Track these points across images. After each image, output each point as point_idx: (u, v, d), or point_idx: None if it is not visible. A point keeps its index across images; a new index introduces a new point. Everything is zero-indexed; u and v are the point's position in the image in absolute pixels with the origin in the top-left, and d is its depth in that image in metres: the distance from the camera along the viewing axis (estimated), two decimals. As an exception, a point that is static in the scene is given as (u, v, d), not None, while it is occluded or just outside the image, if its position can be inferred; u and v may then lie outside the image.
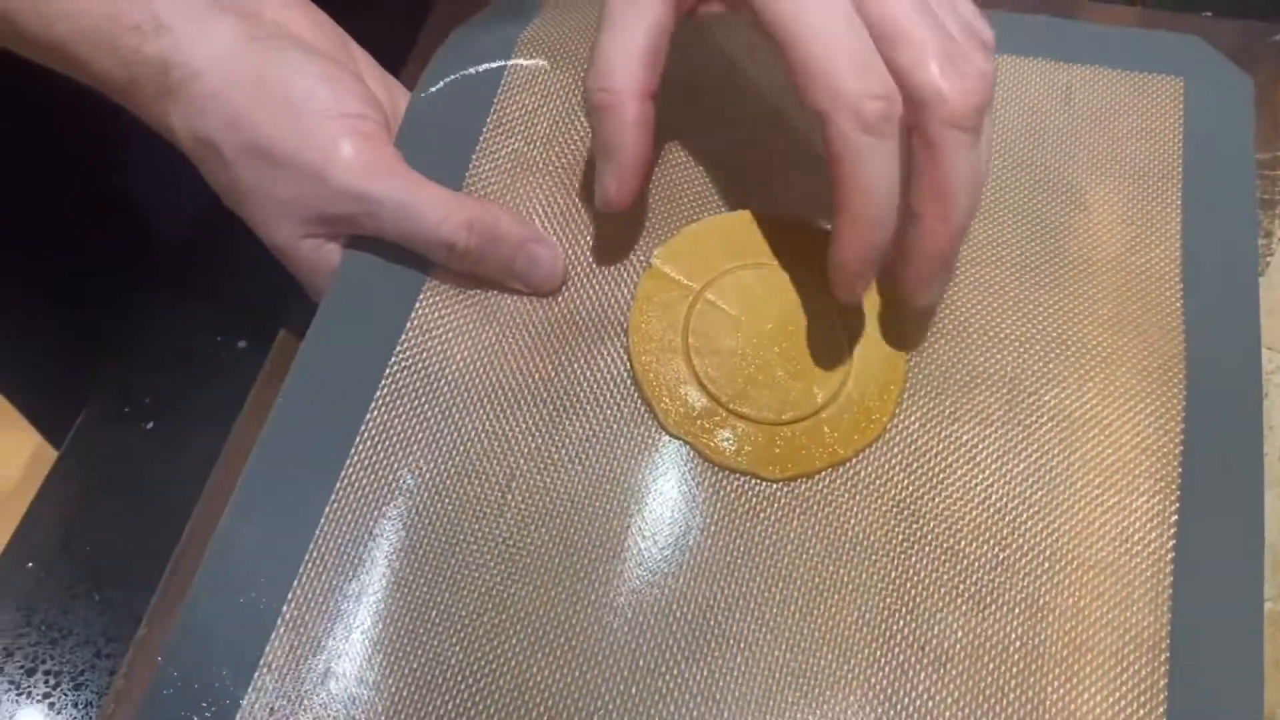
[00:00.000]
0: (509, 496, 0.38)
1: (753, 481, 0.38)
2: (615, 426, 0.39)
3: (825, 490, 0.38)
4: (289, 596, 0.36)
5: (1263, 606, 0.36)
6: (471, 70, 0.46)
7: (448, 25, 0.52)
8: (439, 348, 0.41)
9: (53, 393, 0.61)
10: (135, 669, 0.38)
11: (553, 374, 0.40)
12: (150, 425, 0.45)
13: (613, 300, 0.42)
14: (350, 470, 0.38)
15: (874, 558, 0.37)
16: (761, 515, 0.38)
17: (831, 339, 0.40)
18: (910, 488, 0.39)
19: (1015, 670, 0.36)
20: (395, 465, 0.38)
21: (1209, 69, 0.49)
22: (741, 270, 0.41)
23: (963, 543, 0.38)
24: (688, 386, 0.39)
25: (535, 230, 0.41)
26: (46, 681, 0.40)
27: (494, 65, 0.47)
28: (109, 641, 0.40)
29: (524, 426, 0.39)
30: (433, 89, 0.45)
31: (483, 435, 0.39)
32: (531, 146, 0.45)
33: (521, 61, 0.47)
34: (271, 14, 0.42)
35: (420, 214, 0.39)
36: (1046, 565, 0.37)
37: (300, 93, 0.39)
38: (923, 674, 0.36)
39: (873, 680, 0.36)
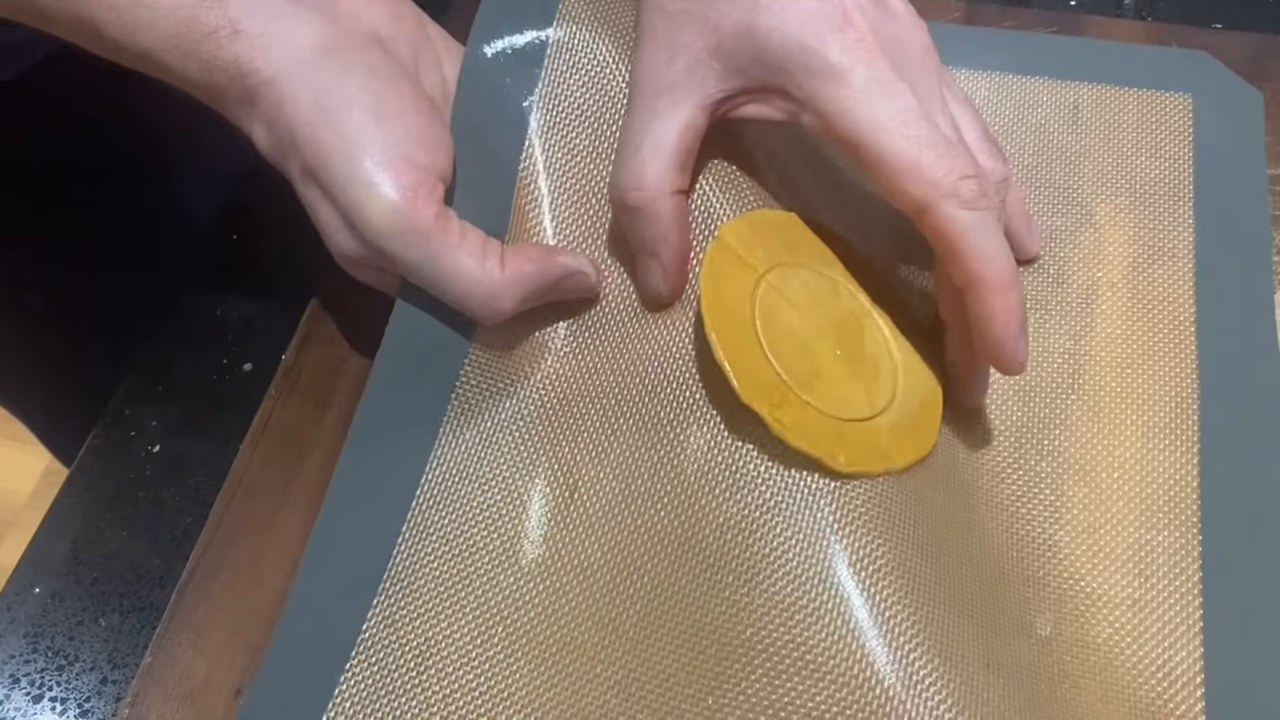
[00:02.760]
0: (572, 507, 0.38)
1: (813, 475, 0.36)
2: (684, 415, 0.38)
3: (876, 496, 0.36)
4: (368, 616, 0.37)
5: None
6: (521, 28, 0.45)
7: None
8: (504, 362, 0.41)
9: (64, 413, 0.61)
10: (140, 697, 0.38)
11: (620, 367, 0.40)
12: (157, 449, 0.45)
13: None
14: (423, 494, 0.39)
15: (905, 578, 0.36)
16: (820, 509, 0.36)
17: (880, 352, 0.40)
18: (942, 513, 0.38)
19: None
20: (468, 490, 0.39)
21: (1218, 85, 0.48)
22: (798, 267, 0.40)
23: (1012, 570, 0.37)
24: (758, 359, 0.37)
25: (565, 265, 0.40)
26: (53, 708, 0.40)
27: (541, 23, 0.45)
28: (115, 669, 0.40)
29: (593, 424, 0.39)
30: (486, 47, 0.44)
31: (546, 446, 0.39)
32: (588, 102, 0.43)
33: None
34: (349, 4, 0.40)
35: (447, 286, 0.38)
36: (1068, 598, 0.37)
37: (352, 127, 0.38)
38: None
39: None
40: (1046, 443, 0.40)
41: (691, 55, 0.38)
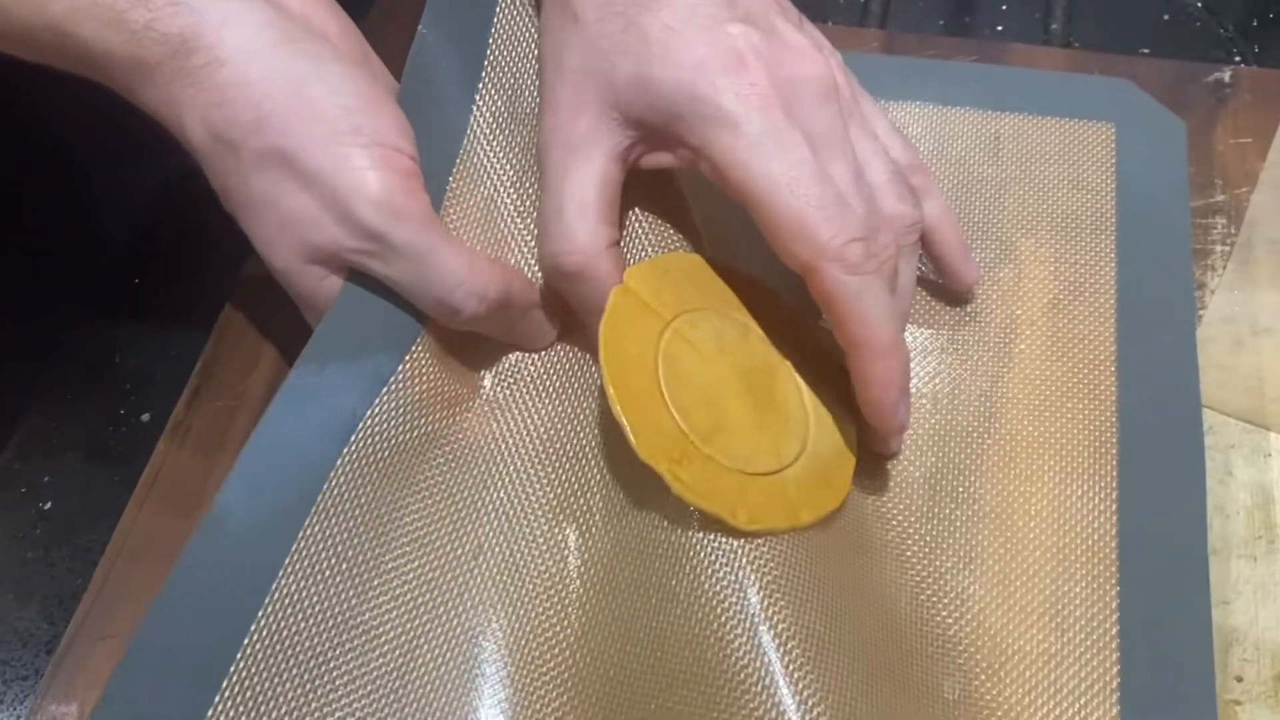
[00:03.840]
0: (480, 560, 0.37)
1: (711, 536, 0.35)
2: (587, 473, 0.38)
3: (780, 554, 0.35)
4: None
5: (1215, 692, 0.34)
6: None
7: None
8: (419, 402, 0.39)
9: None
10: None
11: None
12: (48, 506, 0.44)
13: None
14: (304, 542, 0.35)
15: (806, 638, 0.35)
16: (720, 569, 0.34)
17: (791, 400, 0.38)
18: (849, 569, 0.37)
19: None
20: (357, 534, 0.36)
21: (1141, 114, 0.48)
22: (709, 312, 0.39)
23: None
24: (660, 411, 0.35)
25: (536, 295, 0.39)
26: (-72, 783, 0.38)
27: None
28: (-6, 740, 0.38)
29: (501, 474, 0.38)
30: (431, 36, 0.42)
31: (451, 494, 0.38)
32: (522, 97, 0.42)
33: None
34: (297, 6, 0.39)
35: (437, 273, 0.37)
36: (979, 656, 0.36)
37: (337, 110, 0.37)
38: None
39: None
40: (961, 489, 0.39)
41: (593, 111, 0.38)
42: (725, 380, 0.37)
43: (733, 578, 0.34)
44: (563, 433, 0.39)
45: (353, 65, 0.38)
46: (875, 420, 0.37)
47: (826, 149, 0.35)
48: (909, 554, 0.38)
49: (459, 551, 0.37)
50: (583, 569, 0.36)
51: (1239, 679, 0.36)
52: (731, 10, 0.36)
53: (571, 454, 0.38)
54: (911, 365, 0.41)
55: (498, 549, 0.37)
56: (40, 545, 0.43)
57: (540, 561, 0.37)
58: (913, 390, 0.40)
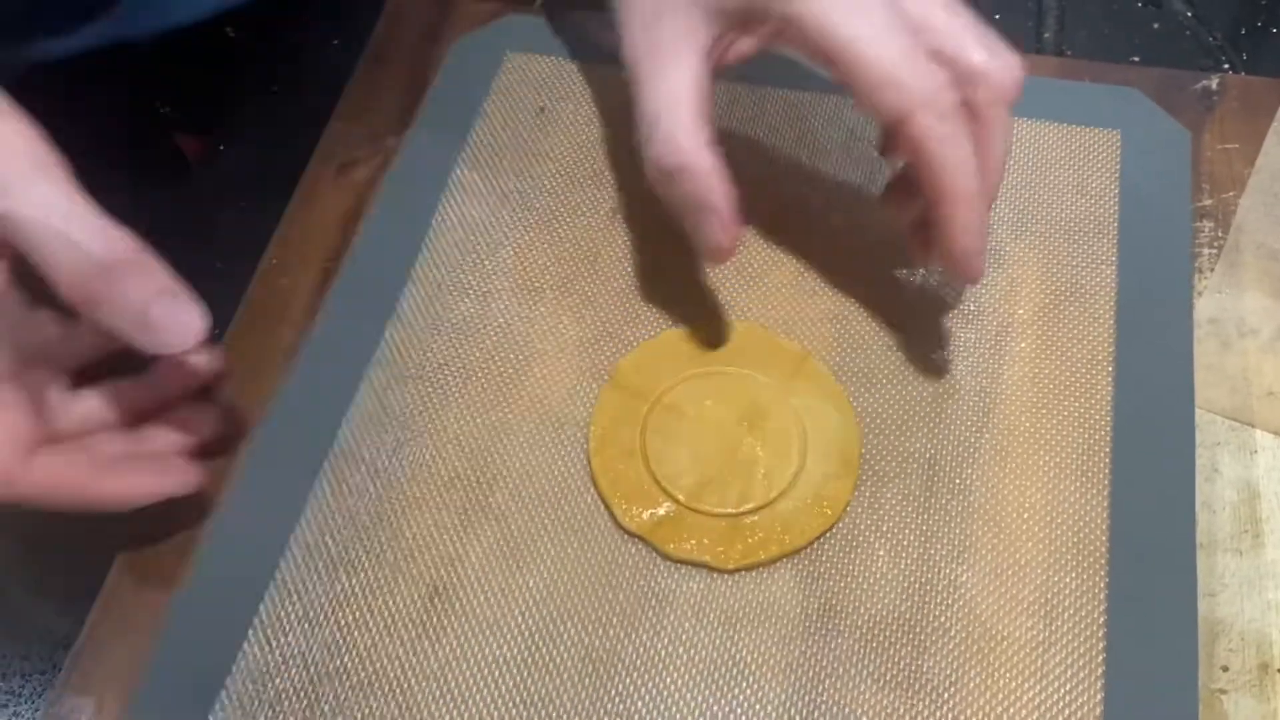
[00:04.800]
0: (439, 604, 0.38)
1: (705, 576, 0.38)
2: (572, 525, 0.40)
3: (771, 581, 0.38)
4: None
5: (1197, 682, 0.35)
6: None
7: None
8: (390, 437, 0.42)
9: None
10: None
11: (513, 473, 0.41)
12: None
13: (578, 401, 0.42)
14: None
15: (803, 642, 0.37)
16: (710, 608, 0.38)
17: (784, 431, 0.41)
18: (842, 576, 0.38)
19: None
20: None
21: (1146, 122, 0.48)
22: (697, 377, 0.42)
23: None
24: (647, 488, 0.40)
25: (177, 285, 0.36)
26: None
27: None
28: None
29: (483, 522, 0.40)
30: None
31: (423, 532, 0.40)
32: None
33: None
34: None
35: (67, 206, 0.34)
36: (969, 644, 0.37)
37: None
38: None
39: None
40: (957, 482, 0.40)
41: (677, 10, 0.39)
42: (715, 433, 0.41)
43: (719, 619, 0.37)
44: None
45: None
46: (958, 268, 0.38)
47: (909, 7, 0.37)
48: (904, 543, 0.39)
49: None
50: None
51: (1225, 668, 0.37)
52: None
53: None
54: (912, 362, 0.42)
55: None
56: (57, 544, 0.44)
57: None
58: (911, 386, 0.42)
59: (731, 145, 0.39)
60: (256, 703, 0.37)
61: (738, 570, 0.38)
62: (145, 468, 0.39)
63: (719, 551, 0.38)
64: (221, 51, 0.59)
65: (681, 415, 0.41)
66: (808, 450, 0.40)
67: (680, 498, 0.39)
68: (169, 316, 0.34)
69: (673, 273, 0.45)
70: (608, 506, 0.39)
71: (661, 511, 0.39)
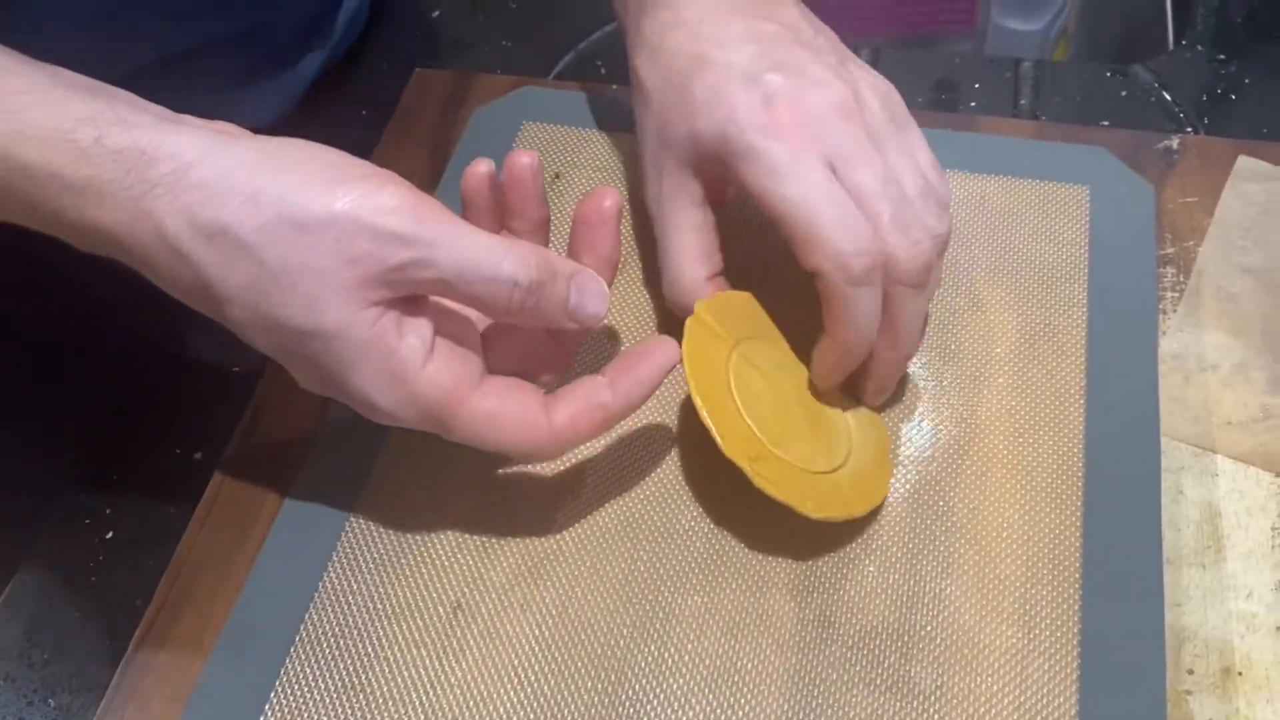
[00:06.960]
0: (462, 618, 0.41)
1: (707, 590, 0.41)
2: (588, 545, 0.43)
3: (768, 594, 0.41)
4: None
5: (1165, 684, 0.38)
6: None
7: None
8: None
9: (16, 503, 0.61)
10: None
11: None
12: (110, 535, 0.48)
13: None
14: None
15: (799, 651, 0.40)
16: (713, 619, 0.41)
17: (835, 414, 0.44)
18: (835, 589, 0.41)
19: None
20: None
21: (1113, 178, 0.52)
22: (761, 341, 0.45)
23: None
24: (738, 421, 0.41)
25: (577, 263, 0.41)
26: (2, 785, 0.41)
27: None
28: (63, 744, 0.42)
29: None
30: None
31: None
32: None
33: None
34: (223, 128, 0.39)
35: (477, 254, 0.37)
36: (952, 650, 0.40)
37: (319, 162, 0.37)
38: None
39: None
40: (940, 505, 0.43)
41: (670, 169, 0.44)
42: (784, 395, 0.43)
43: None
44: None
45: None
46: (813, 376, 0.44)
47: (847, 164, 0.40)
48: (893, 559, 0.42)
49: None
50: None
51: (1190, 672, 0.40)
52: (765, 61, 0.42)
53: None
54: (898, 395, 0.46)
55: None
56: (103, 570, 0.47)
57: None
58: (898, 416, 0.45)
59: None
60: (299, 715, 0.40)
61: (817, 520, 0.40)
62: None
63: (801, 498, 0.40)
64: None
65: (755, 368, 0.43)
66: (854, 433, 0.44)
67: (767, 442, 0.41)
68: (587, 304, 0.40)
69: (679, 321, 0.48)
70: (710, 430, 0.40)
71: (754, 451, 0.40)
